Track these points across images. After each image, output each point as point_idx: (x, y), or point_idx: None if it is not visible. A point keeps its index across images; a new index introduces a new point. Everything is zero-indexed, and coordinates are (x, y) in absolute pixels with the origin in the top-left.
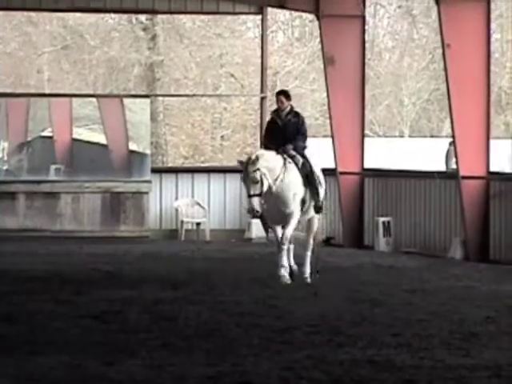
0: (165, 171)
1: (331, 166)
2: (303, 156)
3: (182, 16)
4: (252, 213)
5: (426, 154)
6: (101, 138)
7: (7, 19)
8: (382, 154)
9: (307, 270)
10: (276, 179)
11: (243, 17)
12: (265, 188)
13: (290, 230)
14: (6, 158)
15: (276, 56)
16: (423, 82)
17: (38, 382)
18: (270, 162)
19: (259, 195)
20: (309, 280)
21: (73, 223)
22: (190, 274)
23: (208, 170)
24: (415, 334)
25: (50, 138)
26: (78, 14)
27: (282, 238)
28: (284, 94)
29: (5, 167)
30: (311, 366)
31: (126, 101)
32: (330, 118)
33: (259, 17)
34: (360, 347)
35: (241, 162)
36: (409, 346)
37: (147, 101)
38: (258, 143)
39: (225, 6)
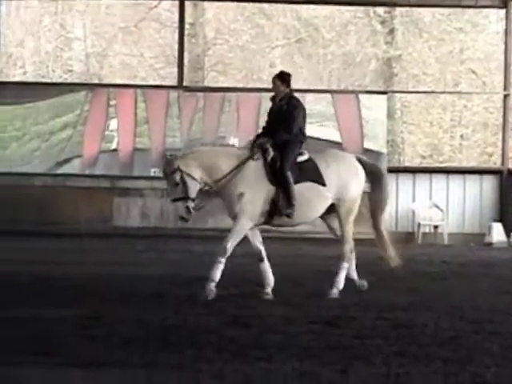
0: (401, 171)
1: None
2: (283, 148)
3: (420, 9)
4: (181, 220)
5: None
6: (335, 136)
7: (239, 11)
8: None
9: (338, 284)
10: (221, 178)
11: (486, 10)
12: (193, 190)
13: (228, 238)
14: None
15: None
16: None
17: None
18: (210, 160)
19: (184, 199)
20: (334, 294)
21: (304, 224)
22: (427, 279)
23: (447, 171)
24: None
25: None
26: (312, 6)
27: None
28: (280, 77)
29: None
30: None
31: (362, 97)
32: None
33: (503, 10)
34: None
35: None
36: None
37: (384, 97)
38: (500, 143)
39: None
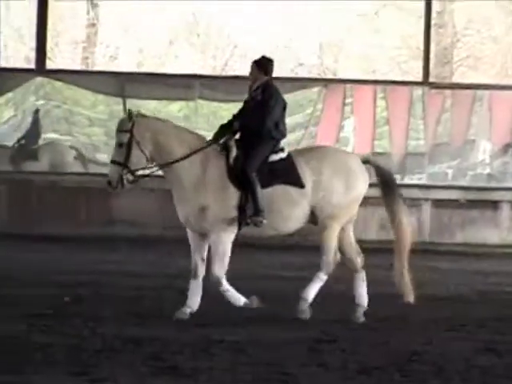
0: None
1: None
2: (250, 146)
3: None
4: (108, 184)
5: None
6: None
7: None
8: None
9: (307, 295)
10: (167, 161)
11: None
12: (134, 162)
13: (215, 267)
14: (488, 161)
15: None
16: None
17: None
18: (165, 136)
19: (121, 165)
20: (301, 307)
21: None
22: None
23: None
24: None
25: None
26: None
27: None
28: (257, 63)
29: (486, 171)
30: None
31: None
32: None
33: None
34: None
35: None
36: None
37: None
38: None
39: None
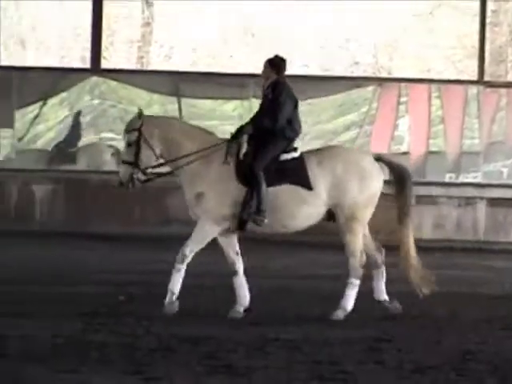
0: None
1: None
2: (262, 144)
3: None
4: (119, 185)
5: None
6: None
7: None
8: None
9: (344, 304)
10: (176, 159)
11: None
12: (144, 160)
13: (188, 243)
14: None
15: None
16: None
17: None
18: (175, 132)
19: (131, 164)
20: (338, 316)
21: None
22: None
23: None
24: None
25: None
26: None
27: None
28: (269, 62)
29: None
30: None
31: None
32: None
33: None
34: None
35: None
36: None
37: None
38: None
39: None
